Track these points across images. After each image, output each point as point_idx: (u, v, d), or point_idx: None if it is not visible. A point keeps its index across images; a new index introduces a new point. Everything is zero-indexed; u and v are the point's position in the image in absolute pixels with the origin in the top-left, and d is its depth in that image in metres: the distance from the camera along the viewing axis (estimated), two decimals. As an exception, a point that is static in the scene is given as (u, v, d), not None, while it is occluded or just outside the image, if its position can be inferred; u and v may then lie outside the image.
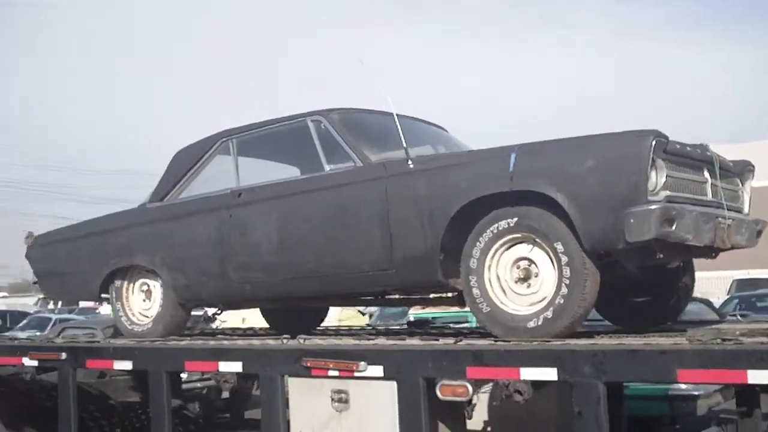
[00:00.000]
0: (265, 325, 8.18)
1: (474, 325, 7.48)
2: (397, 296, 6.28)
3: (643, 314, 5.89)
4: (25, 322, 23.56)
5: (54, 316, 24.42)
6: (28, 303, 41.33)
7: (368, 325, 8.71)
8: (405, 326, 7.89)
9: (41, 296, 41.31)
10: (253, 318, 10.39)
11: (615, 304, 5.95)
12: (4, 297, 55.67)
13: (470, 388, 4.45)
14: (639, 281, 5.57)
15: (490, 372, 4.42)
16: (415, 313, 11.76)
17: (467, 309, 6.28)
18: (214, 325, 9.92)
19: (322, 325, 8.06)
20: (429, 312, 11.18)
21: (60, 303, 36.79)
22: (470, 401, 4.54)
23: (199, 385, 8.72)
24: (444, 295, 5.96)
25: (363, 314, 14.77)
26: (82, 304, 34.10)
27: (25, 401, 7.84)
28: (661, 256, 4.82)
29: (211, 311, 9.11)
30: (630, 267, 4.97)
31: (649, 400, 7.22)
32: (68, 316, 23.72)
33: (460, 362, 4.51)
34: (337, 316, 15.14)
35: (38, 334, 16.21)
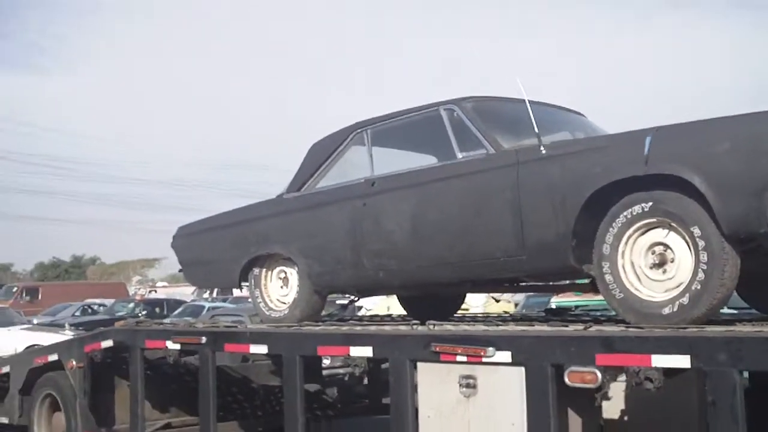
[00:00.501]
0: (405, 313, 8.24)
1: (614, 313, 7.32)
2: (529, 282, 6.21)
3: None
4: (180, 310, 24.57)
5: (207, 305, 25.42)
6: (186, 292, 43.00)
7: (506, 312, 8.62)
8: (542, 314, 7.78)
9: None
10: (397, 308, 10.48)
11: (761, 292, 5.71)
12: (164, 287, 58.09)
13: (599, 374, 4.33)
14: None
15: (620, 359, 4.29)
16: (557, 300, 11.62)
17: None
18: (360, 314, 10.08)
19: (467, 313, 8.06)
20: (571, 300, 11.02)
21: (215, 292, 38.27)
22: (600, 388, 4.42)
23: (341, 371, 8.87)
24: (578, 281, 5.85)
25: (507, 301, 14.74)
26: (236, 293, 35.40)
27: (172, 383, 8.19)
28: None
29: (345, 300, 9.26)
30: (775, 252, 4.73)
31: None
32: (220, 305, 24.65)
33: (589, 348, 4.40)
34: (483, 305, 15.21)
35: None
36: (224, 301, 29.60)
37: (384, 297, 18.09)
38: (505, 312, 9.27)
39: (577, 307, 10.19)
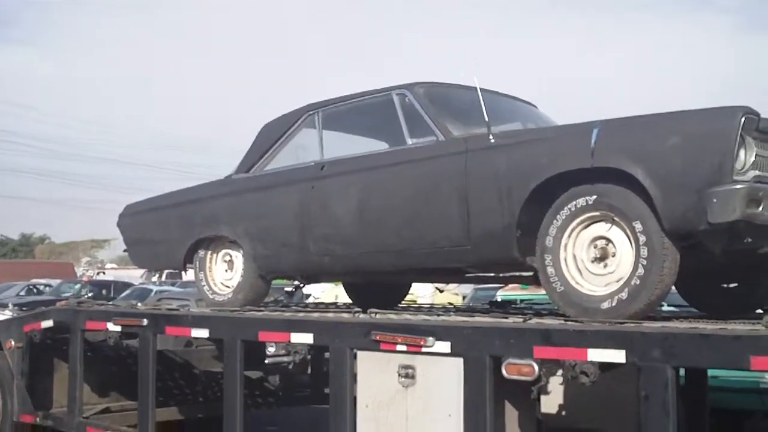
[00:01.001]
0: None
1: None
2: (474, 273, 6.23)
3: (732, 301, 5.71)
4: (127, 292, 24.36)
5: (155, 288, 25.23)
6: (135, 275, 42.63)
7: (450, 304, 8.66)
8: (486, 306, 7.83)
9: (147, 270, 42.65)
10: (346, 297, 10.49)
11: (702, 291, 5.81)
12: (113, 269, 57.56)
13: (536, 367, 4.35)
14: (727, 266, 5.39)
15: (557, 352, 4.31)
16: (503, 294, 11.68)
17: None
18: (307, 302, 10.03)
19: (414, 303, 8.06)
20: (517, 293, 11.09)
21: (164, 276, 37.95)
22: (537, 381, 4.45)
23: (285, 359, 8.83)
24: (521, 273, 5.88)
25: (453, 293, 14.79)
26: (184, 277, 35.09)
27: (112, 367, 8.11)
28: (750, 239, 4.64)
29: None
30: (715, 250, 4.75)
31: (738, 392, 6.99)
32: (168, 288, 24.47)
33: (528, 341, 4.42)
34: (431, 295, 15.25)
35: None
36: (173, 285, 29.32)
37: (332, 285, 18.08)
38: (450, 303, 9.30)
39: (522, 300, 10.25)
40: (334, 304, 8.58)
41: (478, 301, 12.89)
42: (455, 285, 14.58)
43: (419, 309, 7.39)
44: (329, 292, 18.59)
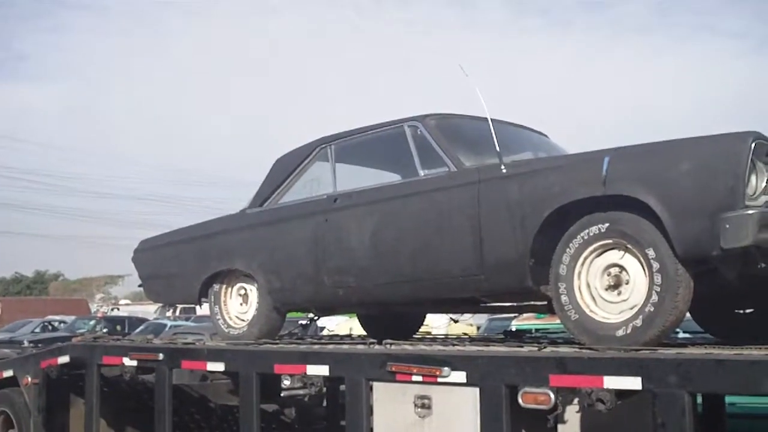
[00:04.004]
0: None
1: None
2: (488, 303, 6.24)
3: (748, 327, 5.69)
4: (142, 328, 24.50)
5: (170, 323, 25.35)
6: (149, 311, 42.63)
7: (465, 334, 8.66)
8: (501, 336, 7.83)
9: (161, 305, 42.68)
10: (360, 329, 10.49)
11: (716, 317, 5.80)
12: (127, 305, 57.60)
13: (552, 396, 4.36)
14: (741, 292, 5.38)
15: (573, 380, 4.31)
16: (518, 324, 11.68)
17: None
18: (323, 333, 9.99)
19: (429, 334, 8.06)
20: (532, 323, 11.08)
21: (178, 311, 37.97)
22: (553, 410, 4.44)
23: (301, 392, 8.82)
24: (535, 302, 5.89)
25: (471, 325, 14.79)
26: (199, 311, 35.14)
27: (129, 401, 8.11)
28: (763, 264, 4.64)
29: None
30: (728, 276, 4.75)
31: (756, 419, 6.94)
32: (183, 323, 24.53)
33: (543, 369, 4.43)
34: (445, 326, 15.22)
35: (152, 339, 16.71)
36: (187, 319, 29.39)
37: (347, 318, 18.07)
38: (465, 334, 9.30)
39: (536, 330, 10.24)
40: (349, 336, 8.57)
41: (492, 332, 12.90)
42: (470, 315, 14.49)
43: (434, 340, 7.38)
44: (343, 325, 18.61)
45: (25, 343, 23.65)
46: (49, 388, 8.02)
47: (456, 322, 7.81)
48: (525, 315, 11.74)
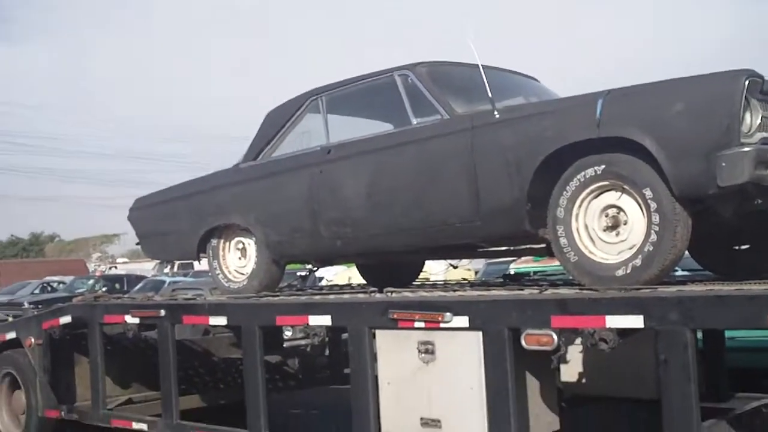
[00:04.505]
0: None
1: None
2: (486, 248, 6.27)
3: (745, 263, 5.70)
4: (140, 285, 24.47)
5: (168, 279, 25.33)
6: (147, 268, 42.80)
7: (464, 279, 8.68)
8: (500, 280, 7.86)
9: (158, 261, 42.80)
10: (359, 278, 10.51)
11: (715, 254, 5.81)
12: (124, 263, 57.72)
13: (555, 337, 4.40)
14: (739, 229, 5.41)
15: (575, 320, 4.36)
16: (516, 267, 11.71)
17: None
18: (323, 284, 10.02)
19: (427, 280, 8.10)
20: (530, 266, 11.12)
21: (176, 267, 38.09)
22: (557, 350, 4.49)
23: (303, 342, 8.88)
24: (533, 246, 5.92)
25: (466, 269, 14.81)
26: (197, 267, 35.24)
27: (133, 358, 8.17)
28: (760, 201, 4.66)
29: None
30: (725, 214, 4.77)
31: (755, 351, 7.02)
32: (181, 279, 24.56)
33: (545, 311, 4.47)
34: (444, 272, 15.24)
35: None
36: (185, 275, 29.45)
37: (345, 268, 18.11)
38: (464, 279, 9.33)
39: (535, 272, 10.28)
40: (349, 285, 8.60)
41: (490, 276, 12.92)
42: (468, 261, 14.60)
43: (434, 286, 7.42)
44: (342, 275, 18.63)
45: (25, 305, 23.61)
46: (53, 348, 8.07)
47: (455, 268, 7.83)
48: (523, 258, 11.77)
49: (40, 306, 19.61)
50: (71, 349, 8.17)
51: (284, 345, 8.80)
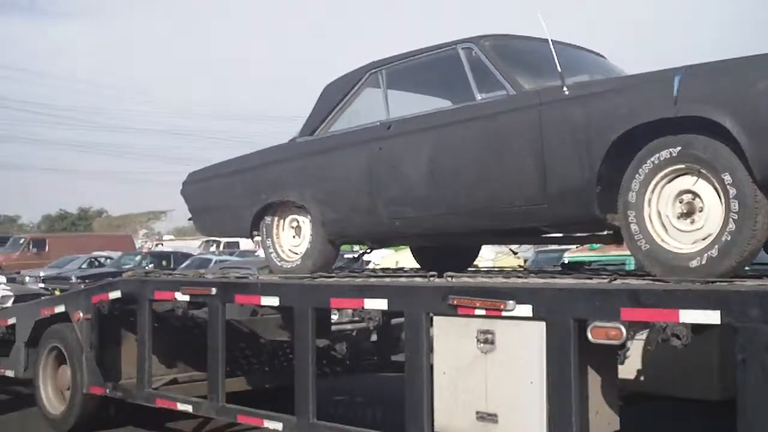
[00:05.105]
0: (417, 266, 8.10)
1: (633, 269, 7.17)
2: (550, 233, 6.06)
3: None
4: (187, 263, 24.60)
5: (215, 257, 25.51)
6: (193, 246, 43.12)
7: (521, 266, 8.49)
8: (558, 268, 7.67)
9: (204, 239, 43.14)
10: (407, 262, 10.36)
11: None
12: (170, 240, 58.23)
13: (624, 330, 4.23)
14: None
15: (647, 314, 4.19)
16: (570, 255, 11.48)
17: (626, 252, 5.90)
18: (369, 267, 9.89)
19: (477, 267, 7.92)
20: (585, 255, 10.89)
21: (222, 246, 38.32)
22: (623, 345, 4.30)
23: (348, 327, 8.76)
24: (599, 233, 5.70)
25: (517, 256, 14.63)
26: (243, 246, 35.50)
27: (180, 337, 8.14)
28: None
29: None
30: (811, 202, 4.54)
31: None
32: (228, 258, 24.65)
33: (614, 303, 4.30)
34: (491, 259, 15.03)
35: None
36: (231, 254, 29.58)
37: (392, 251, 17.96)
38: (521, 266, 9.15)
39: (591, 262, 10.04)
40: (401, 269, 8.44)
41: (541, 265, 12.72)
42: (516, 247, 14.42)
43: (490, 271, 7.24)
44: (389, 258, 18.48)
45: (73, 279, 23.94)
46: (101, 323, 8.06)
47: (515, 254, 7.64)
48: (577, 247, 11.55)
49: (87, 281, 19.80)
50: (119, 325, 8.17)
51: (332, 329, 8.68)
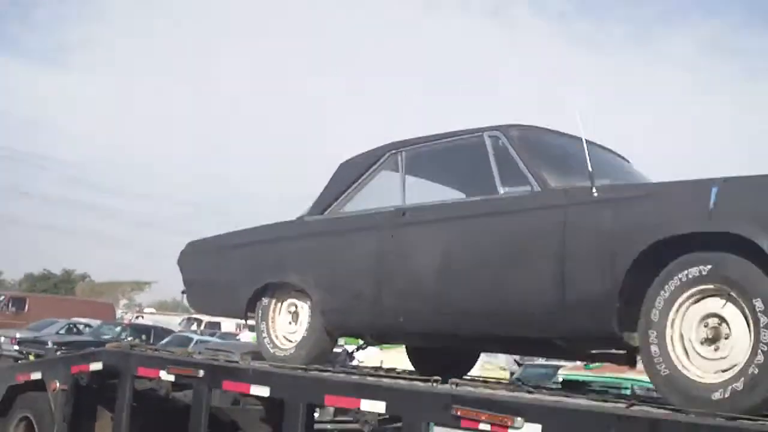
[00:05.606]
0: (404, 368, 7.77)
1: (628, 393, 6.89)
2: (562, 347, 5.80)
3: None
4: (167, 339, 24.19)
5: (196, 337, 25.07)
6: (173, 322, 42.53)
7: (499, 379, 8.18)
8: (558, 387, 7.37)
9: (186, 317, 42.60)
10: (392, 362, 10.03)
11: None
12: (151, 313, 57.55)
13: None
14: None
15: (669, 446, 3.93)
16: (565, 373, 11.19)
17: (622, 374, 5.60)
18: (353, 364, 9.57)
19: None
20: (581, 373, 10.61)
21: (203, 325, 37.81)
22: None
23: (329, 427, 8.38)
24: (610, 351, 5.44)
25: (504, 369, 14.31)
26: (224, 329, 35.06)
27: (158, 419, 7.74)
28: None
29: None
30: None
31: None
32: (209, 339, 24.21)
33: (634, 430, 4.04)
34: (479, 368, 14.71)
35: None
36: (212, 335, 29.06)
37: (378, 349, 17.50)
38: (499, 379, 8.81)
39: (590, 383, 9.74)
40: (393, 369, 8.12)
41: (530, 379, 12.39)
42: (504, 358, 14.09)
43: (498, 382, 6.94)
44: (374, 358, 18.02)
45: (49, 344, 23.44)
46: (78, 395, 7.74)
47: (520, 365, 7.37)
48: (571, 365, 11.28)
49: (64, 348, 19.36)
50: (96, 399, 7.85)
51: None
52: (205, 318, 36.76)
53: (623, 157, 6.42)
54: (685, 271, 4.42)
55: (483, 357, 14.23)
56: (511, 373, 15.31)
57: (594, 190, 4.95)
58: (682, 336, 4.49)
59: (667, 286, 4.48)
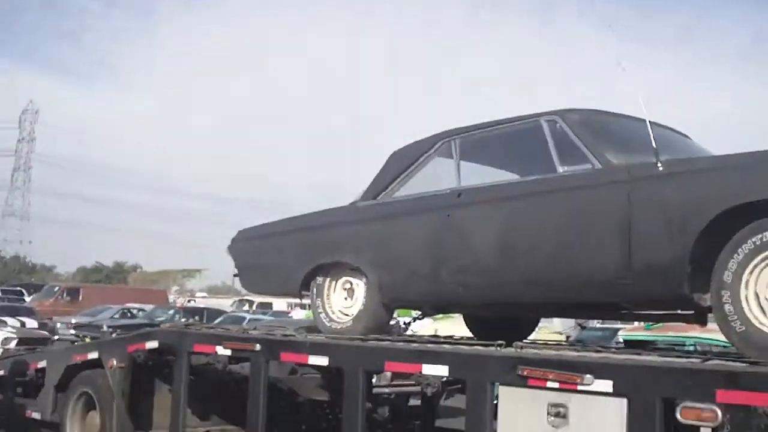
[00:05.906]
0: (461, 335, 7.75)
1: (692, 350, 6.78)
2: (630, 310, 5.75)
3: None
4: (220, 319, 24.23)
5: (248, 316, 25.12)
6: (225, 304, 42.80)
7: (577, 340, 8.09)
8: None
9: (238, 298, 42.86)
10: (446, 331, 10.02)
11: None
12: (203, 297, 58.13)
13: (719, 413, 3.91)
14: None
15: (746, 397, 3.90)
16: (625, 334, 11.06)
17: (683, 333, 5.54)
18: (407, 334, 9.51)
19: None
20: (642, 334, 10.49)
21: (255, 305, 38.02)
22: (718, 428, 3.95)
23: (386, 390, 8.44)
24: (680, 312, 5.37)
25: (560, 333, 14.13)
26: (276, 307, 35.15)
27: (216, 391, 7.88)
28: None
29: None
30: None
31: None
32: (261, 317, 24.28)
33: (709, 384, 4.00)
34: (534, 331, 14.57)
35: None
36: (264, 314, 29.22)
37: (431, 320, 17.47)
38: (559, 341, 8.72)
39: (652, 342, 9.64)
40: (451, 337, 8.09)
41: (589, 342, 12.29)
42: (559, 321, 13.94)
43: (559, 344, 6.87)
44: (428, 326, 18.01)
45: (104, 328, 23.68)
46: (135, 372, 7.82)
47: (583, 328, 7.30)
48: (631, 326, 11.19)
49: (119, 330, 19.53)
50: (153, 375, 7.96)
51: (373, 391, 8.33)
52: (257, 299, 37.07)
53: (683, 134, 6.40)
54: (759, 235, 4.44)
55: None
56: (567, 337, 15.19)
57: (659, 164, 4.98)
58: (757, 295, 4.49)
59: (740, 250, 4.50)
